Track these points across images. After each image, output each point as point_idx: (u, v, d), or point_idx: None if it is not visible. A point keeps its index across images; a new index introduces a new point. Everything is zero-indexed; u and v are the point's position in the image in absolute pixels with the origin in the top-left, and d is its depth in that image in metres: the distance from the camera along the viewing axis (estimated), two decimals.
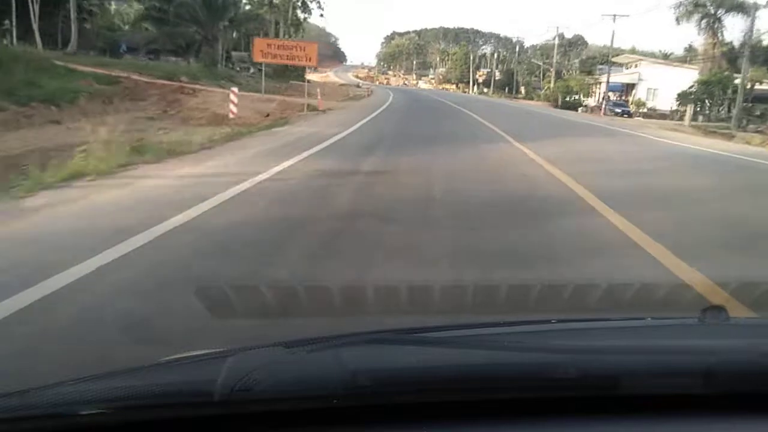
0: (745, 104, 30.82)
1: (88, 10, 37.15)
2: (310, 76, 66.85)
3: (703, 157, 13.02)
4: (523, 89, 74.31)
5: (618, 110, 38.11)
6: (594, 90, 50.99)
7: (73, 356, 2.08)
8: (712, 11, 36.65)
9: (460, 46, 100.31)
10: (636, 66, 49.13)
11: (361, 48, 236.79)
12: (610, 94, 43.20)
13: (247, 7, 45.97)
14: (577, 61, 77.39)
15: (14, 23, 28.55)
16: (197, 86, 24.03)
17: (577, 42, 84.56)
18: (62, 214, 4.25)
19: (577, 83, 52.22)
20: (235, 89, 11.44)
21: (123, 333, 2.28)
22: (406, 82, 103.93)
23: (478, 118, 20.22)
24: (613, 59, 46.99)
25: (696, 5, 36.45)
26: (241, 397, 0.80)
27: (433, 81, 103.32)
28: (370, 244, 3.84)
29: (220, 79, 32.23)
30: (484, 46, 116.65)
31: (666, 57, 59.26)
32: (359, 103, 27.94)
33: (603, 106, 38.74)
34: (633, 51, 61.79)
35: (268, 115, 17.37)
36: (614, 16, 44.22)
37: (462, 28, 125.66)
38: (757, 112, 32.26)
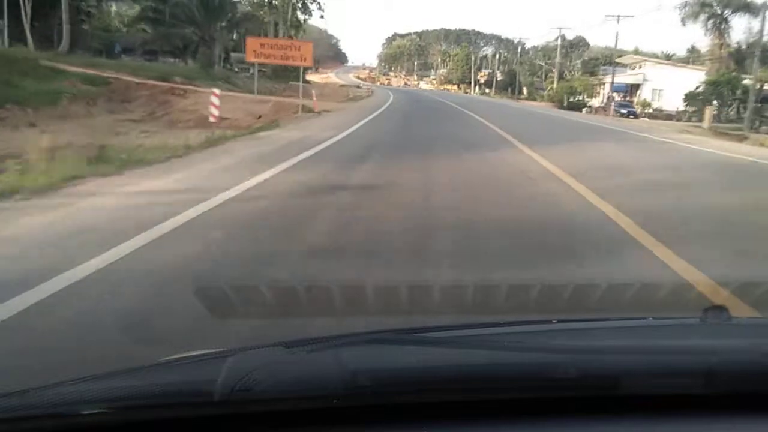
0: (755, 105, 30.01)
1: (86, 12, 36.87)
2: (312, 77, 66.60)
3: (735, 164, 11.59)
4: (525, 90, 73.59)
5: (623, 111, 37.45)
6: (598, 91, 50.33)
7: None
8: (719, 11, 36.19)
9: (461, 47, 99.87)
10: (640, 67, 48.55)
11: (363, 49, 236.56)
12: (614, 94, 42.42)
13: (247, 7, 45.63)
14: (578, 62, 77.02)
15: (6, 23, 28.00)
16: (190, 87, 23.27)
17: (579, 43, 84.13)
18: None
19: (581, 84, 51.60)
20: (217, 90, 10.40)
21: None
22: (407, 82, 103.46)
23: (481, 120, 19.25)
24: (617, 60, 46.14)
25: (702, 5, 36.00)
26: (241, 397, 0.80)
27: (434, 82, 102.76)
28: (347, 306, 2.81)
29: (217, 80, 31.75)
30: (485, 47, 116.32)
31: (668, 58, 58.78)
32: (358, 104, 27.26)
33: (611, 107, 37.83)
34: (636, 52, 61.02)
35: (260, 117, 16.60)
36: (618, 17, 43.19)
37: (463, 30, 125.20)
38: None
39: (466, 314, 2.69)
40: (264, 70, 46.27)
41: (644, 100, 43.53)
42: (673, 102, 38.86)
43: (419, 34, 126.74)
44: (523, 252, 3.87)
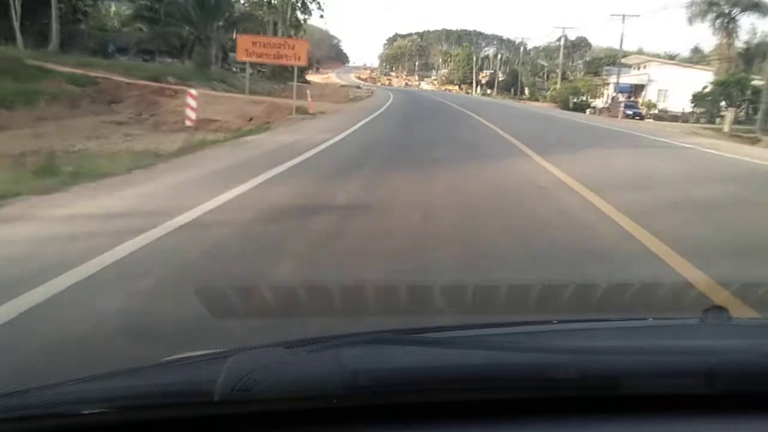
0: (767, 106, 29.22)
1: (82, 11, 36.26)
2: (313, 77, 65.98)
3: None
4: (527, 90, 72.85)
5: (629, 112, 36.56)
6: (602, 91, 49.52)
7: None
8: (727, 11, 35.55)
9: (462, 48, 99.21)
10: (645, 67, 47.75)
11: (364, 49, 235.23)
12: (619, 95, 41.56)
13: (246, 7, 45.11)
14: (581, 62, 76.48)
15: None
16: (183, 88, 22.46)
17: (581, 44, 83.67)
18: None
19: (585, 84, 50.77)
20: (194, 91, 9.32)
21: None
22: (408, 83, 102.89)
23: (484, 122, 18.27)
24: (621, 60, 45.22)
25: (710, 4, 35.35)
26: (241, 397, 0.80)
27: (435, 82, 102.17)
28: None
29: (212, 81, 31.09)
30: (486, 48, 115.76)
31: (671, 58, 58.12)
32: (356, 104, 26.54)
33: (620, 108, 36.86)
34: (640, 52, 60.17)
35: (251, 120, 15.81)
36: (623, 16, 42.20)
37: (464, 30, 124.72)
38: None
39: (466, 314, 2.66)
40: (263, 70, 45.63)
41: (649, 100, 42.71)
42: (679, 103, 38.19)
43: (420, 35, 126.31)
44: (549, 301, 2.90)
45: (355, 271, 3.28)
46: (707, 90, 35.03)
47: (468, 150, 10.45)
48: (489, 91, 79.65)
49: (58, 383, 0.86)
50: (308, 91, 21.49)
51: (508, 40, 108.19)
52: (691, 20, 36.13)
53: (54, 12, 28.09)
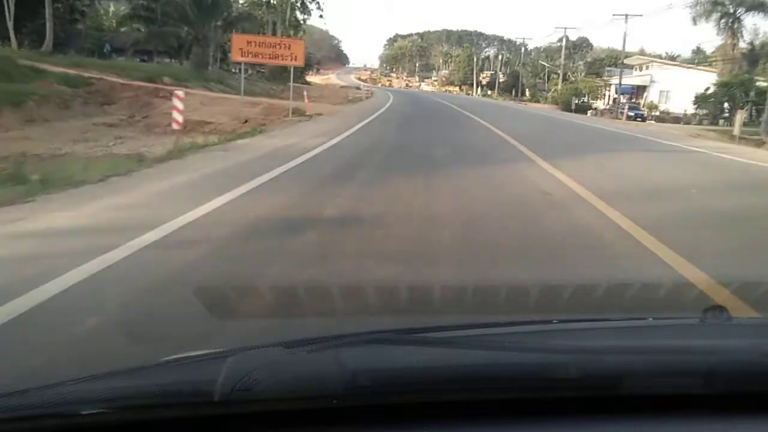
0: None
1: (80, 11, 35.97)
2: (313, 78, 65.52)
3: None
4: (528, 92, 72.46)
5: (631, 114, 36.08)
6: (603, 93, 49.13)
7: None
8: (731, 11, 35.18)
9: (463, 48, 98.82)
10: (647, 68, 47.35)
11: (364, 50, 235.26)
12: (621, 96, 41.15)
13: (245, 7, 44.86)
14: (581, 63, 76.20)
15: None
16: (179, 89, 22.08)
17: (582, 44, 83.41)
18: None
19: (586, 85, 50.38)
20: (180, 93, 8.79)
21: None
22: (408, 84, 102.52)
23: (486, 124, 17.82)
24: (623, 61, 44.78)
25: (715, 4, 34.97)
26: (241, 397, 0.79)
27: (435, 83, 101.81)
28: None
29: (210, 81, 30.72)
30: (487, 49, 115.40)
31: (673, 59, 57.78)
32: (355, 106, 26.19)
33: (625, 109, 36.44)
34: (641, 53, 59.77)
35: (246, 122, 15.41)
36: (626, 15, 41.67)
37: (465, 30, 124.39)
38: None
39: (466, 314, 2.66)
40: (262, 71, 45.20)
41: (651, 102, 42.30)
42: (681, 104, 37.80)
43: (421, 35, 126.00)
44: None
45: (342, 296, 2.81)
46: (710, 91, 34.65)
47: (470, 154, 9.94)
48: (489, 92, 79.27)
49: (58, 383, 0.85)
50: (305, 93, 21.08)
51: (509, 41, 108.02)
52: (695, 20, 35.80)
53: (48, 11, 27.73)
